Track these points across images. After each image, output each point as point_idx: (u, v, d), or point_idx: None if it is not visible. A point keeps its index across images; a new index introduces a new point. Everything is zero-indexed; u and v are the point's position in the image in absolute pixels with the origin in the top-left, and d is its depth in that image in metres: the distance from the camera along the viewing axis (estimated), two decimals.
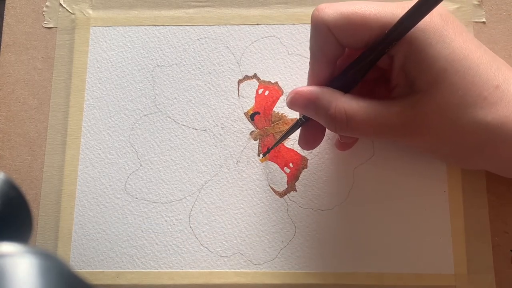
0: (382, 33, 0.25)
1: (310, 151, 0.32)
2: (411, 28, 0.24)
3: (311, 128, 0.28)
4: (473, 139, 0.25)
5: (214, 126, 0.33)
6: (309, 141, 0.29)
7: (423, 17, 0.23)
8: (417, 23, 0.24)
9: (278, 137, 0.32)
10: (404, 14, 0.23)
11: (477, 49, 0.25)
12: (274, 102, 0.33)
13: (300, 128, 0.29)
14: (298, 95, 0.27)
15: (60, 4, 0.35)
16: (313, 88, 0.27)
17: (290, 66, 0.33)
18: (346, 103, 0.26)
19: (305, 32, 0.33)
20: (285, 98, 0.33)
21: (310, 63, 0.27)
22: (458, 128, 0.25)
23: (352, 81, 0.26)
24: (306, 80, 0.33)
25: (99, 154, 0.32)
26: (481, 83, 0.24)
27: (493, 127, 0.24)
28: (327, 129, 0.28)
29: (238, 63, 0.33)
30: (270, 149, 0.32)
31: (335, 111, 0.26)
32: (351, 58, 0.27)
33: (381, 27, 0.25)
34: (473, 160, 0.27)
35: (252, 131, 0.32)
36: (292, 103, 0.27)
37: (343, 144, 0.30)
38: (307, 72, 0.33)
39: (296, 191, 0.31)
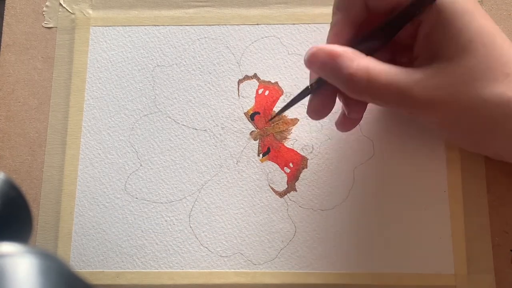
0: None
1: (310, 151, 0.32)
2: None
3: (321, 96, 0.28)
4: (492, 114, 0.25)
5: (214, 126, 0.33)
6: (318, 110, 0.28)
7: None
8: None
9: (278, 137, 0.32)
10: None
11: (501, 32, 0.26)
12: (274, 102, 0.33)
13: (309, 97, 0.28)
14: (319, 51, 0.25)
15: (60, 4, 0.35)
16: (335, 46, 0.25)
17: (290, 66, 0.33)
18: (370, 63, 0.25)
19: (305, 32, 0.33)
20: (284, 98, 0.33)
21: (332, 21, 0.27)
22: (479, 100, 0.24)
23: (376, 44, 0.26)
24: (307, 80, 0.33)
25: (99, 154, 0.32)
26: (505, 61, 0.25)
27: (510, 105, 0.24)
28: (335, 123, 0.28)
29: (238, 63, 0.33)
30: (274, 116, 0.31)
31: (357, 69, 0.24)
32: (372, 25, 0.26)
33: None
34: (489, 140, 0.27)
35: (252, 131, 0.32)
36: (311, 59, 0.26)
37: (347, 123, 0.29)
38: (307, 71, 0.33)
39: (296, 191, 0.31)
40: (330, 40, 0.27)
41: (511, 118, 0.25)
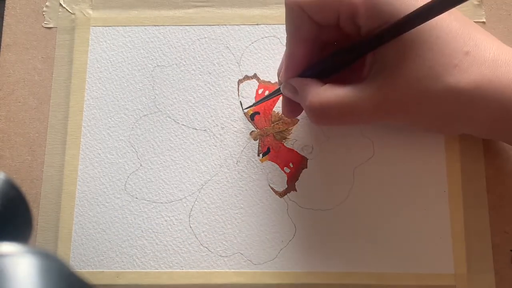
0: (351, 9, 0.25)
1: (310, 151, 0.32)
2: (409, 30, 0.24)
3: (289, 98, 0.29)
4: (449, 107, 0.25)
5: (214, 126, 0.33)
6: (290, 111, 0.30)
7: (427, 21, 0.23)
8: (417, 26, 0.23)
9: (278, 137, 0.32)
10: (402, 18, 0.23)
11: (446, 16, 0.24)
12: (274, 102, 0.33)
13: (282, 97, 0.30)
14: (287, 84, 0.28)
15: (60, 4, 0.35)
16: (296, 81, 0.28)
17: None
18: (321, 95, 0.26)
19: None
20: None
21: (286, 42, 0.28)
22: (431, 98, 0.25)
23: (335, 68, 0.27)
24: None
25: (99, 154, 0.32)
26: (450, 52, 0.24)
27: (466, 93, 0.24)
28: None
29: (238, 63, 0.33)
30: (252, 105, 0.32)
31: (310, 104, 0.26)
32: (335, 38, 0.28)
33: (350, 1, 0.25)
34: (452, 127, 0.27)
35: (252, 131, 0.32)
36: (284, 91, 0.29)
37: (295, 109, 0.31)
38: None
39: (296, 191, 0.31)
40: (285, 61, 0.28)
41: (467, 107, 0.25)
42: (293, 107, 0.30)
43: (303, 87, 0.27)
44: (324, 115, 0.26)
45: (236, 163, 0.32)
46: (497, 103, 0.24)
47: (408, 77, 0.24)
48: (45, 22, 0.35)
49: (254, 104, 0.32)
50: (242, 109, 0.33)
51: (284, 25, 0.27)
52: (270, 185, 0.32)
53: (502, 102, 0.24)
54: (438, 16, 0.23)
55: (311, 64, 0.28)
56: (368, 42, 0.25)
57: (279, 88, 0.30)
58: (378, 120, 0.27)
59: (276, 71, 0.32)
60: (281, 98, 0.33)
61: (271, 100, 0.33)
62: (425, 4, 0.22)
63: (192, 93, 0.33)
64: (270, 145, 0.32)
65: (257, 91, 0.33)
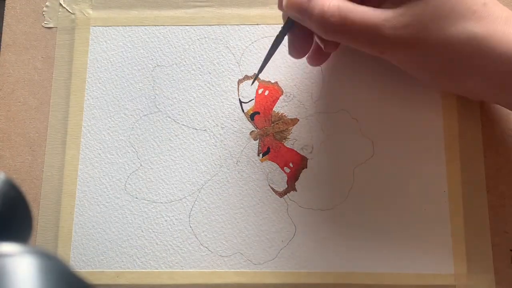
0: None
1: (310, 151, 0.32)
2: None
3: (298, 34, 0.29)
4: (461, 51, 0.25)
5: (214, 126, 0.33)
6: (297, 48, 0.29)
7: None
8: None
9: (278, 137, 0.32)
10: None
11: None
12: (274, 102, 0.33)
13: (288, 38, 0.29)
14: None
15: (60, 4, 0.35)
16: None
17: (290, 66, 0.33)
18: (340, 2, 0.26)
19: None
20: (284, 98, 0.33)
21: None
22: (447, 38, 0.25)
23: None
24: (306, 80, 0.33)
25: (99, 154, 0.32)
26: None
27: (480, 39, 0.25)
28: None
29: (238, 63, 0.33)
30: (257, 74, 0.31)
31: (328, 8, 0.26)
32: None
33: None
34: (458, 76, 0.27)
35: (252, 131, 0.32)
36: (289, 3, 0.27)
37: (319, 57, 0.31)
38: (307, 71, 0.33)
39: (296, 191, 0.31)
40: None
41: (478, 54, 0.25)
42: (301, 43, 0.29)
43: None
44: (340, 25, 0.26)
45: (236, 163, 0.32)
46: (506, 56, 0.25)
47: (431, 11, 0.25)
48: (45, 22, 0.35)
49: (258, 73, 0.30)
50: (242, 109, 0.33)
51: None
52: (270, 185, 0.32)
53: (510, 55, 0.25)
54: None
55: None
56: None
57: (284, 26, 0.28)
58: (390, 48, 0.26)
59: (276, 71, 0.32)
60: (280, 98, 0.33)
61: (271, 100, 0.33)
62: None
63: (192, 93, 0.33)
64: (270, 145, 0.32)
65: (257, 91, 0.33)
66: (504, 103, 0.29)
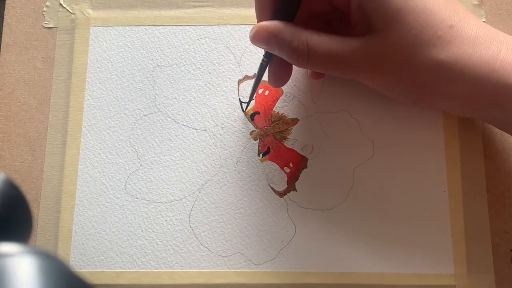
0: None
1: (310, 151, 0.32)
2: None
3: (276, 65, 0.29)
4: (428, 77, 0.25)
5: (214, 126, 0.33)
6: (277, 78, 0.30)
7: None
8: None
9: (278, 137, 0.32)
10: None
11: None
12: (274, 102, 0.33)
13: (268, 68, 0.30)
14: (261, 29, 0.27)
15: (60, 4, 0.35)
16: (276, 23, 0.27)
17: None
18: (308, 37, 0.26)
19: None
20: (284, 98, 0.33)
21: None
22: (413, 66, 0.25)
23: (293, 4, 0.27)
24: (306, 80, 0.33)
25: (99, 154, 0.32)
26: (436, 23, 0.25)
27: (446, 65, 0.25)
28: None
29: (238, 63, 0.33)
30: (249, 101, 0.32)
31: (297, 44, 0.26)
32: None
33: None
34: (429, 99, 0.28)
35: (252, 131, 0.32)
36: (255, 37, 0.27)
37: (316, 73, 0.31)
38: (307, 72, 0.33)
39: (296, 191, 0.31)
40: (257, 12, 0.28)
41: (445, 79, 0.25)
42: (281, 73, 0.29)
43: (287, 28, 0.27)
44: (310, 57, 0.26)
45: (236, 163, 0.32)
46: (474, 79, 0.25)
47: (395, 41, 0.25)
48: (45, 22, 0.35)
49: (253, 89, 0.31)
50: (242, 109, 0.33)
51: None
52: (270, 185, 0.32)
53: (479, 78, 0.25)
54: None
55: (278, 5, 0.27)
56: None
57: (262, 63, 0.29)
58: (360, 75, 0.27)
59: None
60: (281, 98, 0.33)
61: (271, 100, 0.33)
62: None
63: (192, 93, 0.33)
64: (270, 145, 0.32)
65: (257, 91, 0.33)
66: (481, 118, 0.29)
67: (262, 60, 0.29)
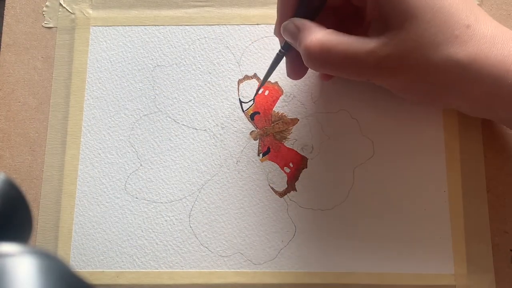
0: None
1: (310, 151, 0.32)
2: None
3: (294, 56, 0.29)
4: (445, 77, 0.25)
5: (214, 126, 0.33)
6: (295, 70, 0.30)
7: None
8: None
9: (278, 137, 0.32)
10: None
11: None
12: (274, 102, 0.33)
13: (286, 59, 0.30)
14: (290, 22, 0.27)
15: (60, 4, 0.35)
16: (302, 20, 0.27)
17: None
18: (324, 36, 0.26)
19: None
20: (284, 98, 0.33)
21: None
22: (431, 65, 0.25)
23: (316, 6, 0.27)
24: (306, 79, 0.33)
25: (99, 154, 0.32)
26: (453, 22, 0.25)
27: (463, 64, 0.25)
28: None
29: (238, 63, 0.33)
30: (257, 89, 0.32)
31: (310, 42, 0.26)
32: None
33: None
34: (445, 99, 0.27)
35: (252, 131, 0.32)
36: (284, 29, 0.28)
37: (298, 71, 0.31)
38: (308, 71, 0.33)
39: (296, 191, 0.31)
40: (279, 8, 0.28)
41: (462, 79, 0.25)
42: (297, 66, 0.29)
43: (304, 26, 0.27)
44: (323, 57, 0.26)
45: (236, 163, 0.32)
46: (491, 78, 0.25)
47: (411, 41, 0.25)
48: (45, 22, 0.35)
49: (266, 77, 0.31)
50: (242, 109, 0.33)
51: None
52: (270, 185, 0.32)
53: (496, 78, 0.25)
54: None
55: (302, 3, 0.28)
56: None
57: (275, 60, 0.29)
58: (374, 76, 0.27)
59: (276, 71, 0.32)
60: (280, 98, 0.33)
61: (271, 100, 0.33)
62: None
63: (192, 93, 0.33)
64: (270, 145, 0.32)
65: (257, 91, 0.33)
66: (495, 119, 0.29)
67: (279, 51, 0.29)
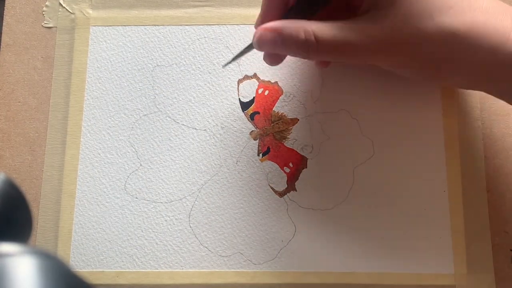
0: None
1: (310, 151, 0.32)
2: None
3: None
4: (442, 48, 0.25)
5: (214, 126, 0.33)
6: (273, 57, 0.29)
7: None
8: None
9: (278, 137, 0.32)
10: None
11: None
12: (274, 102, 0.33)
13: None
14: (265, 31, 0.26)
15: (60, 4, 0.35)
16: (277, 21, 0.26)
17: (290, 66, 0.33)
18: (313, 26, 0.26)
19: None
20: (284, 98, 0.33)
21: None
22: (426, 38, 0.25)
23: (312, 7, 0.27)
24: (306, 79, 0.33)
25: (99, 154, 0.32)
26: None
27: (460, 33, 0.24)
28: None
29: (238, 63, 0.33)
30: (227, 62, 0.31)
31: (304, 36, 0.26)
32: None
33: None
34: (443, 73, 0.27)
35: (252, 131, 0.32)
36: (260, 42, 0.27)
37: (323, 62, 0.31)
38: (307, 71, 0.33)
39: (296, 190, 0.31)
40: (262, 13, 0.28)
41: (460, 49, 0.25)
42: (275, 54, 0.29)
43: (288, 24, 0.26)
44: (319, 46, 0.26)
45: (236, 163, 0.32)
46: (489, 48, 0.24)
47: (404, 15, 0.24)
48: (45, 22, 0.35)
49: (232, 59, 0.30)
50: (242, 109, 0.33)
51: None
52: (270, 185, 0.32)
53: (495, 47, 0.24)
54: None
55: (289, 7, 0.27)
56: None
57: (251, 44, 0.28)
58: (371, 58, 0.27)
59: (276, 70, 0.32)
60: (280, 98, 0.33)
61: (271, 100, 0.33)
62: None
63: (192, 93, 0.33)
64: (270, 144, 0.32)
65: (257, 90, 0.33)
66: (494, 93, 0.28)
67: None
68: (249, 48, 0.28)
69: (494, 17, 0.24)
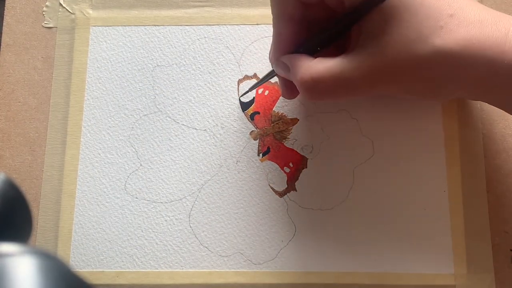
0: None
1: (310, 151, 0.32)
2: None
3: (286, 79, 0.29)
4: (439, 69, 0.25)
5: (214, 126, 0.33)
6: (289, 89, 0.29)
7: None
8: None
9: (278, 137, 0.32)
10: None
11: None
12: (274, 102, 0.33)
13: (278, 79, 0.30)
14: (278, 61, 0.28)
15: (60, 4, 0.35)
16: (286, 56, 0.27)
17: None
18: (312, 68, 0.26)
19: None
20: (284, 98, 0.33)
21: (273, 23, 0.28)
22: (421, 62, 0.24)
23: (323, 44, 0.27)
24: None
25: (99, 154, 0.32)
26: (436, 14, 0.24)
27: (455, 53, 0.24)
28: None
29: (238, 63, 0.33)
30: (249, 90, 0.32)
31: (301, 78, 0.26)
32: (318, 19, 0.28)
33: None
34: (445, 91, 0.27)
35: (252, 131, 0.32)
36: (277, 69, 0.29)
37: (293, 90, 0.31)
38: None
39: (296, 190, 0.31)
40: (274, 41, 0.28)
41: (456, 68, 0.25)
42: (291, 87, 0.29)
43: (293, 62, 0.27)
44: (315, 88, 0.26)
45: (236, 163, 0.32)
46: (486, 62, 0.24)
47: (396, 43, 0.24)
48: (45, 22, 0.35)
49: (249, 90, 0.32)
50: (242, 109, 0.33)
51: None
52: (270, 185, 0.32)
53: (491, 61, 0.24)
54: None
55: (299, 43, 0.28)
56: (353, 13, 0.25)
57: (272, 70, 0.30)
58: (370, 90, 0.26)
59: None
60: (280, 98, 0.33)
61: (271, 100, 0.33)
62: None
63: (192, 93, 0.33)
64: (270, 144, 0.32)
65: (257, 90, 0.33)
66: (494, 103, 0.28)
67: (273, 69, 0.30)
68: (271, 73, 0.30)
69: (486, 29, 0.24)
